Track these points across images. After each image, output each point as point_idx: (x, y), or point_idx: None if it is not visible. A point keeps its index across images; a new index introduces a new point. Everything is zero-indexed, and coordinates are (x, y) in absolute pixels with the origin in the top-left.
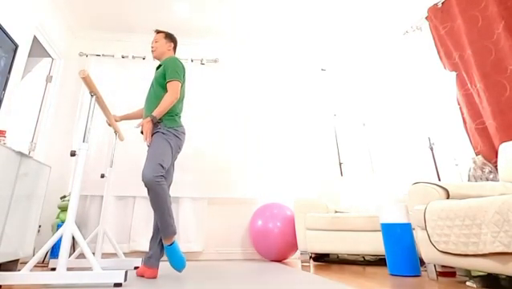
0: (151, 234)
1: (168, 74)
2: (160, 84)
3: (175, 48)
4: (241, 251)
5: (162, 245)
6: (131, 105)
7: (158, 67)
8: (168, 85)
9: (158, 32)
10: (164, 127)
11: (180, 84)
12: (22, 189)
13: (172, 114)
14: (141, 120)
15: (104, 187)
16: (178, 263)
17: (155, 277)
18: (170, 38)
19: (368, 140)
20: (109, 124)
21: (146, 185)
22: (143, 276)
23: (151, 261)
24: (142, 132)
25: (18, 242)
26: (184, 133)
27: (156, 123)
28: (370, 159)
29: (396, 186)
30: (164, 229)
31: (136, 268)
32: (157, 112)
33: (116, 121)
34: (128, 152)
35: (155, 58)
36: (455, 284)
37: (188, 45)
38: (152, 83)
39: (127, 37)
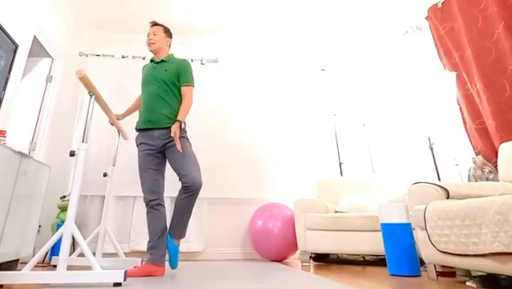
0: (159, 234)
1: (185, 77)
2: (174, 84)
3: (170, 45)
4: (241, 251)
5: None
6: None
7: (157, 63)
8: (186, 89)
9: (156, 24)
10: (185, 133)
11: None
12: (22, 189)
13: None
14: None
15: (106, 186)
16: (176, 261)
17: (163, 274)
18: (169, 33)
19: (368, 140)
20: (111, 124)
21: (195, 190)
22: (150, 275)
23: (162, 259)
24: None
25: (18, 241)
26: None
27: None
28: (370, 159)
29: (396, 186)
30: (183, 230)
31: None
32: (182, 117)
33: (119, 120)
34: (128, 152)
35: (152, 51)
36: (455, 284)
37: (188, 45)
38: (152, 81)
39: (127, 37)
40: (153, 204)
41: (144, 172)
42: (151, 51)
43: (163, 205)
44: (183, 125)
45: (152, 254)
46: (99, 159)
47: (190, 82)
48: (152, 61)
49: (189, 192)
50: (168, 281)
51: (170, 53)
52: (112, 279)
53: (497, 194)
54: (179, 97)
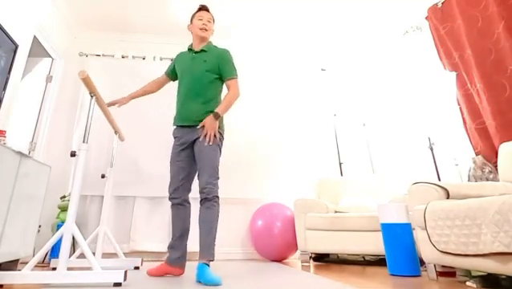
0: (177, 234)
1: (227, 69)
2: (213, 77)
3: None
4: (241, 251)
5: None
6: (131, 104)
7: (196, 52)
8: (232, 82)
9: (208, 11)
10: (220, 130)
11: None
12: (21, 189)
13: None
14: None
15: (105, 187)
16: (210, 279)
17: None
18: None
19: (368, 140)
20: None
21: (207, 197)
22: (167, 274)
23: (178, 261)
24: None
25: (18, 242)
26: None
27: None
28: (370, 159)
29: (396, 186)
30: (204, 249)
31: (136, 268)
32: (221, 110)
33: (124, 104)
34: (128, 152)
35: (204, 38)
36: (455, 284)
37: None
38: (189, 73)
39: (127, 37)
40: (174, 202)
41: (172, 166)
42: (201, 37)
43: (184, 205)
44: (217, 123)
45: (169, 253)
46: (99, 159)
47: (233, 74)
48: (190, 50)
49: (202, 198)
50: (167, 281)
51: (210, 43)
52: (112, 279)
53: (497, 194)
54: (217, 91)
